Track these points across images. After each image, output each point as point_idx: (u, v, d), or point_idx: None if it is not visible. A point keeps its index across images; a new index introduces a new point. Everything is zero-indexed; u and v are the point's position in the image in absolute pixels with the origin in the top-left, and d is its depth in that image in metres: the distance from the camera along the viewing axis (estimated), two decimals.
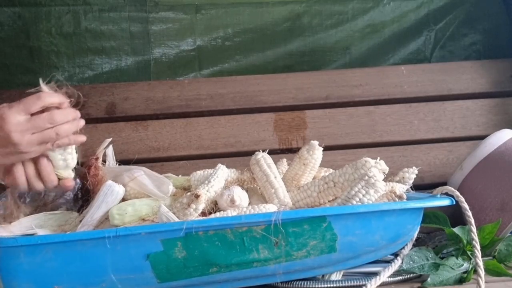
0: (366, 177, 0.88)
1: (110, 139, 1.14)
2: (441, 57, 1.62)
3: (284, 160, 1.19)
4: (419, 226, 0.93)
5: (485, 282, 0.85)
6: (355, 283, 0.89)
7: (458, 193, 0.94)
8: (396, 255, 0.94)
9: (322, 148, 1.03)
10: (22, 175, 0.87)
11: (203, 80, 1.51)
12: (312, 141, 1.03)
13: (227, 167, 1.07)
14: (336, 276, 0.91)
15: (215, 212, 0.93)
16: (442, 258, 0.95)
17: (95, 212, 0.96)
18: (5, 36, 1.48)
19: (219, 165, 1.05)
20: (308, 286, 0.88)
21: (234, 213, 0.89)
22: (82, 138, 0.90)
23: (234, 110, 1.44)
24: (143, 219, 0.95)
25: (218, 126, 1.43)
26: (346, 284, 0.89)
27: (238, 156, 1.40)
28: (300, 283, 0.89)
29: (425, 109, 1.46)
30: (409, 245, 0.95)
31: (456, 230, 0.95)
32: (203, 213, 0.92)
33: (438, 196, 0.98)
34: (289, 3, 1.57)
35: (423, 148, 1.44)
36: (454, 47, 1.62)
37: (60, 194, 1.06)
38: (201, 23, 1.55)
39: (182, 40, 1.55)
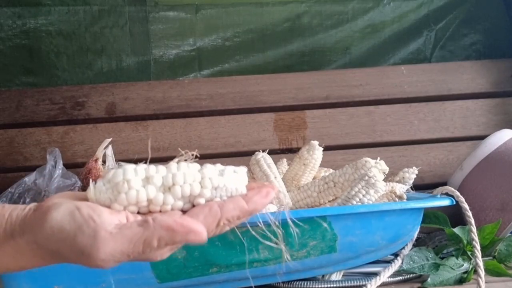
0: (366, 177, 0.88)
1: (110, 139, 1.14)
2: (441, 57, 1.62)
3: (284, 160, 1.19)
4: (419, 226, 0.93)
5: (485, 282, 0.84)
6: (355, 283, 0.89)
7: (458, 193, 0.94)
8: (396, 255, 0.94)
9: (322, 148, 1.03)
10: None
11: (203, 80, 1.51)
12: (312, 141, 1.03)
13: None
14: (336, 276, 0.91)
15: None
16: (442, 258, 0.95)
17: None
18: (4, 36, 1.47)
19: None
20: (308, 286, 0.88)
21: None
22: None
23: (234, 110, 1.44)
24: None
25: (218, 126, 1.43)
26: (346, 284, 0.89)
27: (238, 156, 1.40)
28: (300, 283, 0.89)
29: (425, 109, 1.46)
30: (409, 245, 0.95)
31: (456, 230, 0.95)
32: None
33: (438, 196, 0.98)
34: (289, 3, 1.57)
35: (423, 148, 1.44)
36: (454, 47, 1.62)
37: None
38: (201, 23, 1.55)
39: (182, 40, 1.55)
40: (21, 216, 0.51)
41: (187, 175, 0.51)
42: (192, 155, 0.54)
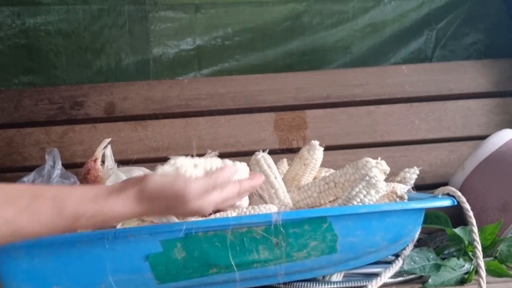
0: (367, 178, 0.88)
1: (109, 139, 1.14)
2: (442, 56, 1.61)
3: (285, 160, 1.18)
4: (420, 227, 0.93)
5: (486, 283, 0.84)
6: (356, 284, 0.89)
7: (459, 194, 0.94)
8: (397, 256, 0.93)
9: (323, 148, 1.03)
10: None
11: (203, 80, 1.51)
12: (312, 141, 1.02)
13: None
14: (337, 277, 0.91)
15: (215, 213, 0.92)
16: (443, 259, 0.94)
17: None
18: (3, 35, 1.47)
19: None
20: (308, 287, 0.88)
21: (234, 214, 0.89)
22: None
23: (234, 110, 1.44)
24: (143, 220, 0.94)
25: (218, 126, 1.42)
26: (347, 285, 0.89)
27: (238, 156, 1.39)
28: (300, 284, 0.88)
29: (426, 109, 1.46)
30: (410, 246, 0.95)
31: (458, 230, 0.95)
32: None
33: (440, 196, 0.98)
34: (289, 2, 1.57)
35: (424, 148, 1.44)
36: (455, 47, 1.62)
37: None
38: (200, 23, 1.55)
39: (182, 39, 1.55)
40: (117, 184, 0.74)
41: (218, 163, 0.78)
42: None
